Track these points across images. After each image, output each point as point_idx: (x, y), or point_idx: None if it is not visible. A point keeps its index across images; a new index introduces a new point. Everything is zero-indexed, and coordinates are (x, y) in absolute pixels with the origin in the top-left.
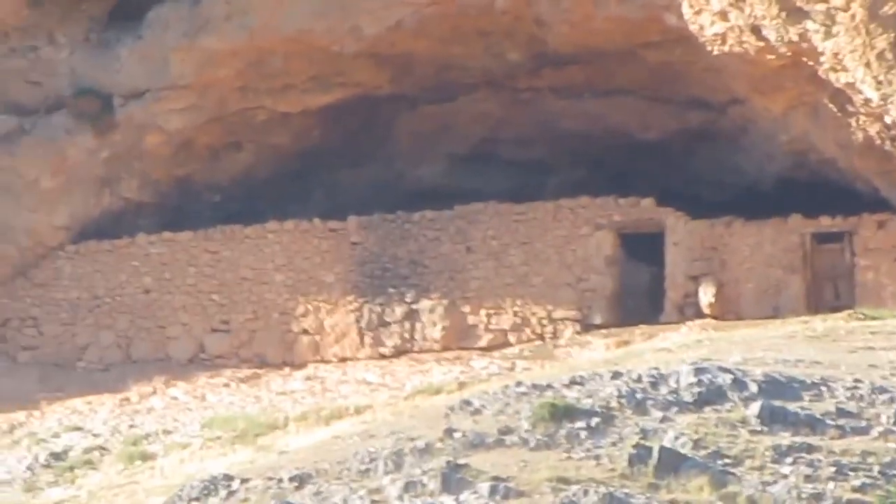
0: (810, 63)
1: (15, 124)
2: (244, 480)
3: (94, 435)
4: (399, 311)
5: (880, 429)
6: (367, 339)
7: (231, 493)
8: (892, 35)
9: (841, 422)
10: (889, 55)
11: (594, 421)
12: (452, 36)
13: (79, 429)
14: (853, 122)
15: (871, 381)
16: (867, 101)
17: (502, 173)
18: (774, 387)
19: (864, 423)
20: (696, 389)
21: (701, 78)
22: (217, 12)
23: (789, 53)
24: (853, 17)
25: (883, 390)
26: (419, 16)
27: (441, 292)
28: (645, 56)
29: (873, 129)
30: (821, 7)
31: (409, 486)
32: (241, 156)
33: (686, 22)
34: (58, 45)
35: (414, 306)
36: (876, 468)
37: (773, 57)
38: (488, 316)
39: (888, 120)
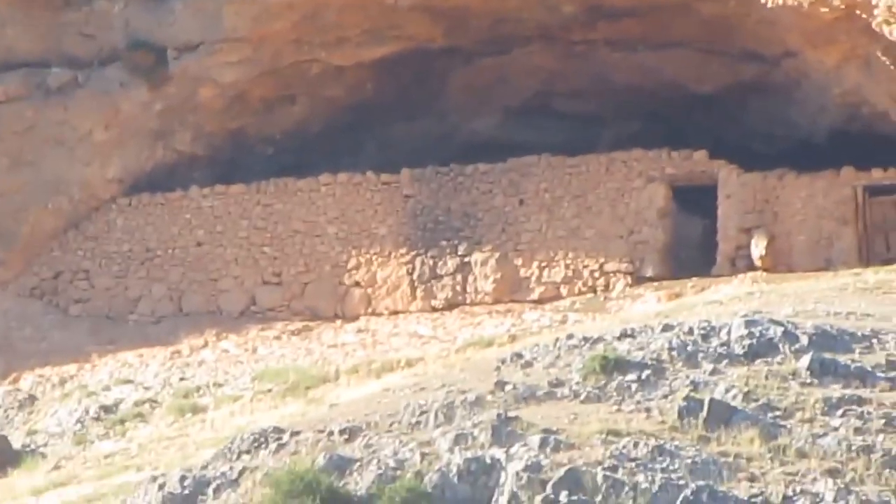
0: (864, 16)
1: (69, 77)
2: (294, 433)
3: (146, 388)
4: (451, 263)
5: None
6: (419, 292)
7: (281, 446)
8: None
9: (892, 374)
10: None
11: (645, 373)
12: None
13: (129, 381)
14: (868, 69)
15: None
16: None
17: (556, 126)
18: (825, 339)
19: None
20: (747, 342)
21: (754, 31)
22: None
23: (843, 6)
24: None
25: None
26: None
27: (493, 245)
28: (699, 8)
29: None
30: None
31: (459, 439)
32: (294, 109)
33: None
34: None
35: (466, 259)
36: None
37: (826, 10)
38: (540, 269)
39: None
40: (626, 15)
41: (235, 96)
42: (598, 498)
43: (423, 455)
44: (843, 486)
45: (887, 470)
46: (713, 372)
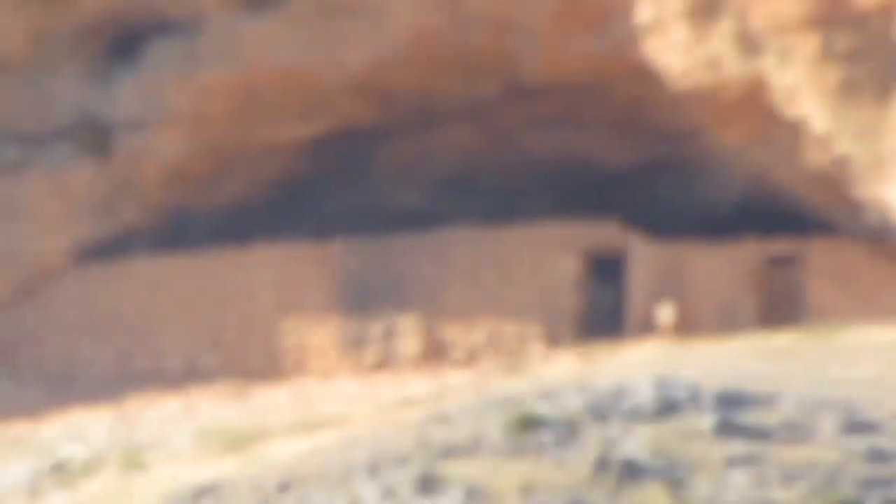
0: (765, 97)
1: (20, 154)
2: (232, 487)
3: (94, 445)
4: (379, 327)
5: (824, 439)
6: (349, 354)
7: (220, 499)
8: (843, 71)
9: (788, 433)
10: (839, 90)
11: (560, 431)
12: (432, 70)
13: (79, 439)
14: (804, 154)
15: (816, 394)
16: (817, 134)
17: (478, 198)
18: (728, 400)
19: (809, 433)
20: (655, 402)
21: (665, 111)
22: (212, 48)
23: (747, 88)
24: (806, 53)
25: (826, 403)
26: (402, 51)
27: (419, 310)
28: (614, 90)
29: (823, 160)
30: (776, 44)
31: (385, 493)
32: (233, 182)
33: (651, 59)
34: (61, 78)
35: (393, 323)
36: (820, 475)
37: (731, 91)
38: (462, 333)
39: (836, 151)
40: (544, 95)
41: (177, 171)
42: None
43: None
44: None
45: None
46: (624, 430)
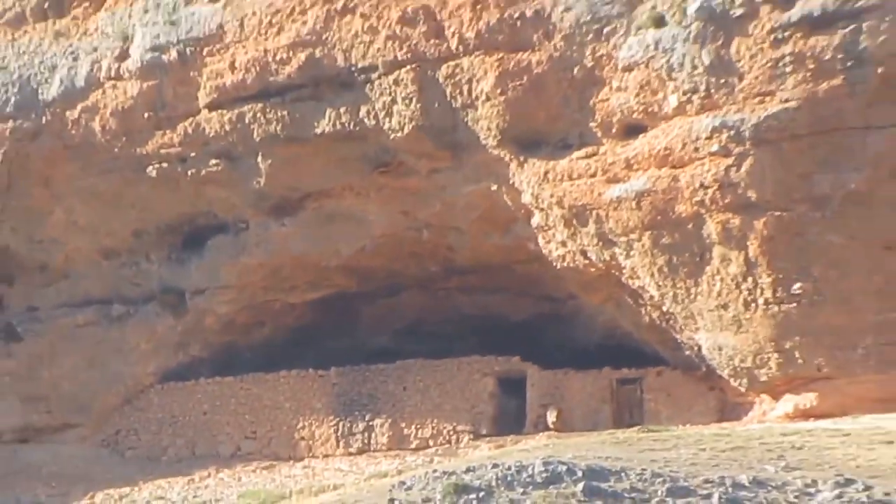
0: (616, 273)
1: (124, 310)
2: None
3: (172, 502)
4: (361, 425)
5: (658, 499)
6: (342, 443)
7: None
8: (666, 257)
9: (634, 494)
10: (665, 269)
11: (482, 494)
12: (396, 256)
13: (162, 498)
14: (643, 310)
15: (651, 469)
16: (651, 297)
17: (427, 341)
18: (592, 473)
19: (647, 495)
20: (544, 474)
21: (551, 282)
22: (251, 242)
23: (603, 267)
24: (643, 245)
25: (659, 475)
26: (376, 244)
27: (387, 414)
28: (516, 268)
29: (655, 315)
30: (623, 239)
31: None
32: (264, 329)
33: (540, 248)
34: (151, 261)
35: (371, 423)
36: None
37: (593, 269)
38: (416, 428)
39: (664, 309)
40: (470, 271)
41: (228, 322)
42: None
43: None
44: None
45: None
46: (523, 493)
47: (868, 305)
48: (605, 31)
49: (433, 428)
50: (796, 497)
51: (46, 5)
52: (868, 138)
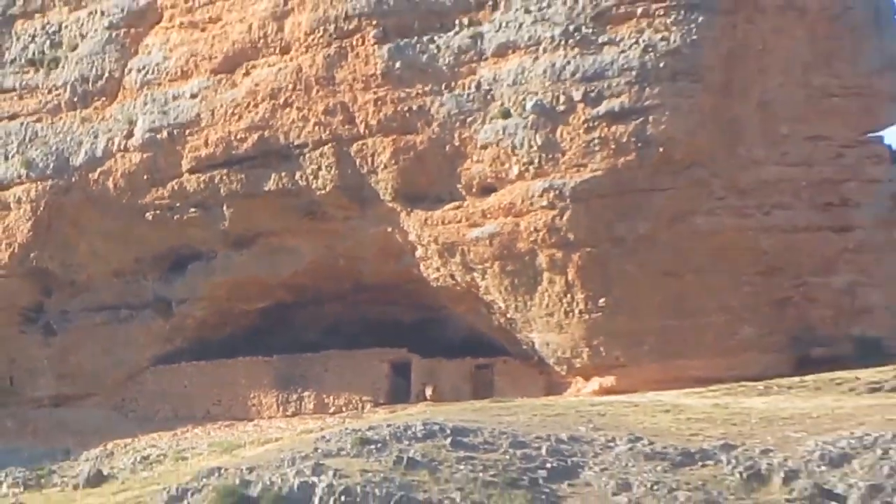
0: (475, 291)
1: (128, 314)
2: (226, 469)
3: (161, 451)
4: (295, 396)
5: (503, 450)
6: (281, 408)
7: (221, 474)
8: (510, 280)
9: (485, 446)
10: (509, 288)
11: (379, 445)
12: (320, 276)
13: (154, 446)
14: (493, 316)
15: (498, 429)
16: (499, 308)
17: (342, 338)
18: (457, 430)
19: (495, 447)
20: (423, 432)
21: (429, 296)
22: (218, 266)
23: (466, 286)
24: (494, 271)
25: (504, 433)
26: (305, 268)
27: (313, 388)
28: (404, 286)
29: (502, 320)
30: (480, 267)
31: (296, 473)
32: (227, 328)
33: (421, 272)
34: (147, 279)
35: (301, 394)
36: (503, 468)
37: (459, 288)
38: (334, 399)
39: (508, 316)
40: (373, 288)
41: (202, 322)
42: None
43: (282, 478)
44: None
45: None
46: (408, 444)
47: (651, 315)
48: (468, 120)
49: (345, 399)
50: (601, 449)
51: (76, 99)
52: (652, 198)
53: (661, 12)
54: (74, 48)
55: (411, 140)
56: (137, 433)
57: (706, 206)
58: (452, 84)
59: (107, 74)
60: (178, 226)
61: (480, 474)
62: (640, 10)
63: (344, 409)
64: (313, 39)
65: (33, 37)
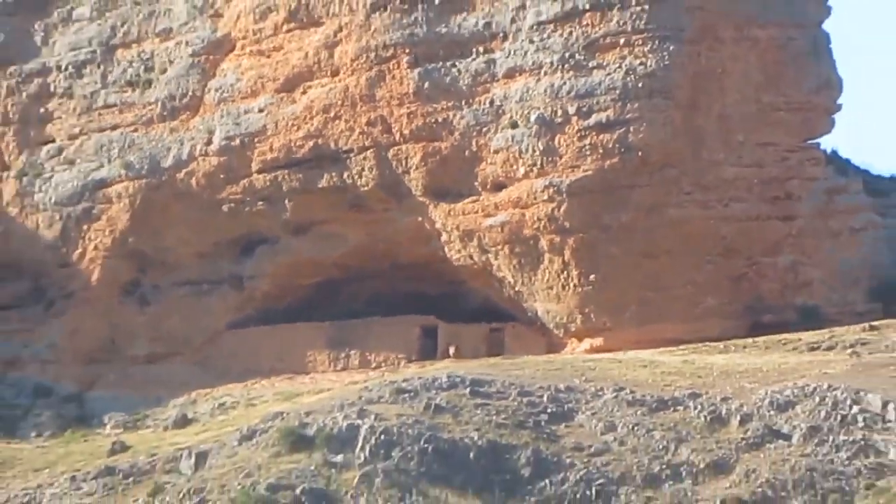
0: (489, 269)
1: (209, 287)
2: (287, 413)
3: (235, 399)
4: (343, 354)
5: (512, 397)
6: (331, 365)
7: (282, 419)
8: (518, 260)
9: (498, 394)
10: (517, 266)
11: (412, 393)
12: (363, 258)
13: (230, 395)
14: (504, 289)
15: (509, 381)
16: (509, 282)
17: (381, 306)
18: (475, 382)
19: (506, 394)
20: (447, 383)
21: (452, 272)
22: (281, 249)
23: (482, 265)
24: (505, 252)
25: (513, 384)
26: (351, 251)
27: (358, 348)
28: (433, 264)
29: (511, 292)
30: (493, 249)
31: (344, 416)
32: (288, 299)
33: (446, 254)
34: (224, 260)
35: (348, 353)
36: (512, 410)
37: (476, 266)
38: (375, 356)
39: (516, 289)
40: (407, 267)
41: (267, 295)
42: None
43: (332, 421)
44: None
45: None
46: (435, 393)
47: (633, 288)
48: (483, 129)
49: (384, 356)
50: (591, 397)
51: (165, 113)
52: (633, 193)
53: (640, 42)
54: (164, 71)
55: (438, 146)
56: (215, 385)
57: (676, 199)
58: (471, 100)
59: (190, 93)
60: (249, 216)
61: (494, 417)
62: (622, 41)
63: (383, 364)
64: (358, 64)
65: (131, 62)
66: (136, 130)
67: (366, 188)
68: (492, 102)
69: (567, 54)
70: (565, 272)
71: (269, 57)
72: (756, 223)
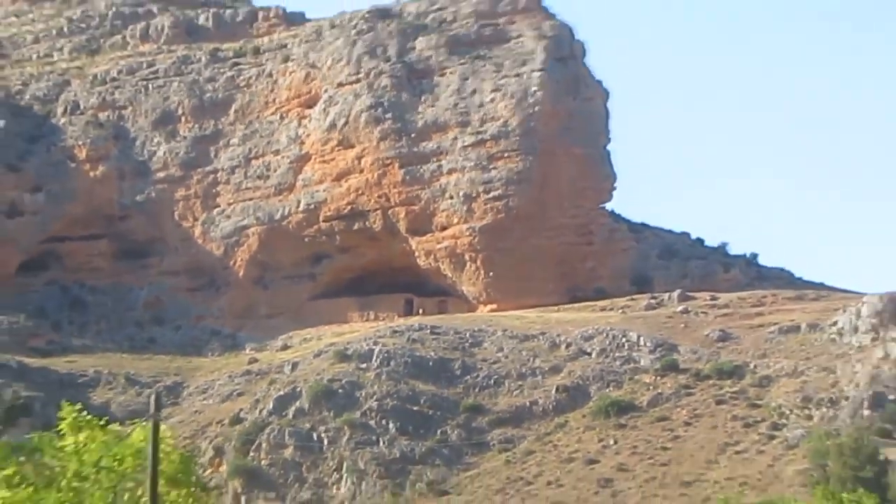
0: (440, 270)
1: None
2: (337, 343)
3: (310, 336)
4: (360, 313)
5: (450, 335)
6: (362, 321)
7: (334, 346)
8: (454, 265)
9: (444, 333)
10: (454, 269)
11: (400, 333)
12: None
13: (307, 339)
14: (441, 280)
15: (450, 326)
16: (450, 277)
17: (374, 288)
18: (433, 328)
19: (448, 333)
20: (418, 327)
21: (422, 272)
22: None
23: (436, 268)
24: (450, 260)
25: (451, 327)
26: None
27: (373, 310)
28: (413, 268)
29: (451, 282)
30: (442, 260)
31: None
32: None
33: (417, 262)
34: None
35: (367, 313)
36: (453, 344)
37: (433, 269)
38: (387, 317)
39: (453, 280)
40: (409, 270)
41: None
42: None
43: (360, 346)
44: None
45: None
46: (413, 334)
47: (512, 280)
48: (436, 200)
49: (386, 314)
50: (490, 334)
51: (275, 192)
52: (512, 232)
53: (514, 155)
54: (276, 171)
55: (413, 208)
56: (301, 329)
57: (534, 234)
58: (429, 186)
59: (288, 182)
60: (317, 244)
61: (442, 345)
62: (506, 154)
63: (385, 319)
64: (373, 167)
65: (258, 166)
66: (261, 201)
67: (377, 229)
68: (441, 186)
69: (478, 162)
70: (477, 272)
71: (328, 163)
72: (575, 246)
